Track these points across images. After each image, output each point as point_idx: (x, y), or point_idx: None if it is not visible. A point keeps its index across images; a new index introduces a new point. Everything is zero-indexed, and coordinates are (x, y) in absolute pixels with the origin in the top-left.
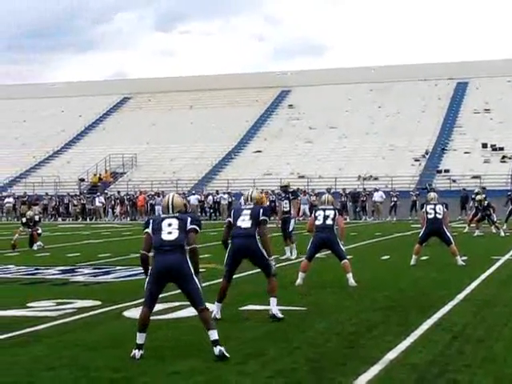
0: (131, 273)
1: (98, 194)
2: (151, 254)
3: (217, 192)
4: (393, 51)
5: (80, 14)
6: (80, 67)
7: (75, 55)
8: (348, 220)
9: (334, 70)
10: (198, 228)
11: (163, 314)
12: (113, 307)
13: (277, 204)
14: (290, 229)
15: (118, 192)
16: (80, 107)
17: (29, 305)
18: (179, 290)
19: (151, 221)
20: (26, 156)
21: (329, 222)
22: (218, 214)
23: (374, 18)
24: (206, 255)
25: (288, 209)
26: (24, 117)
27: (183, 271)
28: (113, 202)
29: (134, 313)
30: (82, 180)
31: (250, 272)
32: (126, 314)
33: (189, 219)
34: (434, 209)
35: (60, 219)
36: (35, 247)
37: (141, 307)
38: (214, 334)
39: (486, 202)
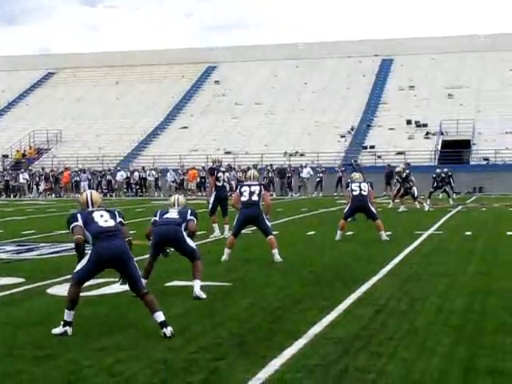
0: (55, 250)
1: (22, 170)
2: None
3: (143, 168)
4: (319, 28)
5: None
6: (3, 42)
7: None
8: (274, 196)
9: (260, 47)
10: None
11: (88, 291)
12: (36, 284)
13: (207, 180)
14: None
15: (43, 168)
16: (3, 82)
17: None
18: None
19: (79, 215)
20: None
21: (255, 197)
22: (144, 190)
23: None
24: (132, 231)
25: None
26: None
27: (125, 255)
28: (37, 179)
29: (58, 290)
30: (6, 156)
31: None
32: (50, 291)
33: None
34: (359, 186)
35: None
36: None
37: (65, 284)
38: (160, 316)
39: (405, 174)
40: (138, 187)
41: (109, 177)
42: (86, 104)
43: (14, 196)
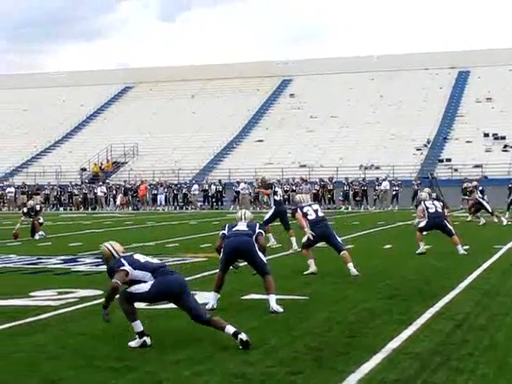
0: None
1: (100, 183)
2: None
3: (219, 181)
4: (395, 40)
5: (84, 4)
6: (83, 57)
7: (79, 45)
8: (350, 209)
9: (335, 59)
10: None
11: (164, 304)
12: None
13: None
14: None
15: (125, 181)
16: (82, 97)
17: (31, 294)
18: (185, 279)
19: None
20: (27, 145)
21: (321, 214)
22: (220, 203)
23: (376, 6)
24: (207, 244)
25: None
26: (26, 106)
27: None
28: (114, 192)
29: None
30: (84, 169)
31: None
32: None
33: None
34: (433, 203)
35: (62, 209)
36: (37, 237)
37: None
38: (230, 328)
39: (470, 189)
40: (213, 200)
41: (184, 190)
42: (162, 118)
43: (92, 209)
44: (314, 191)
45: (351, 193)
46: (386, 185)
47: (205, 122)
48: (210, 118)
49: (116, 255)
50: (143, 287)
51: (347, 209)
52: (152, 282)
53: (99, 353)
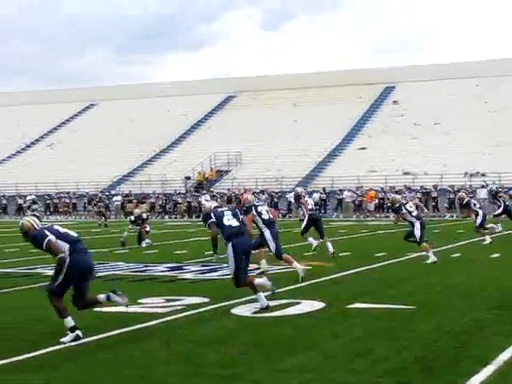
0: None
1: (204, 191)
2: None
3: (324, 190)
4: (499, 45)
5: (189, 15)
6: (188, 67)
7: (184, 55)
8: (455, 217)
9: (439, 66)
10: None
11: (270, 312)
12: (221, 304)
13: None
14: None
15: (228, 189)
16: (186, 106)
17: (139, 301)
18: (288, 287)
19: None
20: (133, 155)
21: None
22: (324, 211)
23: (478, 11)
24: (310, 253)
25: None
26: (131, 116)
27: None
28: (218, 200)
29: (242, 310)
30: (188, 178)
31: (356, 270)
32: (234, 311)
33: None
34: None
35: (167, 217)
36: (144, 244)
37: (248, 305)
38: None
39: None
40: (317, 208)
41: (288, 198)
42: (264, 126)
43: (196, 217)
44: (417, 199)
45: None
46: (483, 192)
47: (307, 130)
48: (312, 126)
49: (37, 227)
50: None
51: (452, 216)
52: (68, 263)
53: (207, 360)
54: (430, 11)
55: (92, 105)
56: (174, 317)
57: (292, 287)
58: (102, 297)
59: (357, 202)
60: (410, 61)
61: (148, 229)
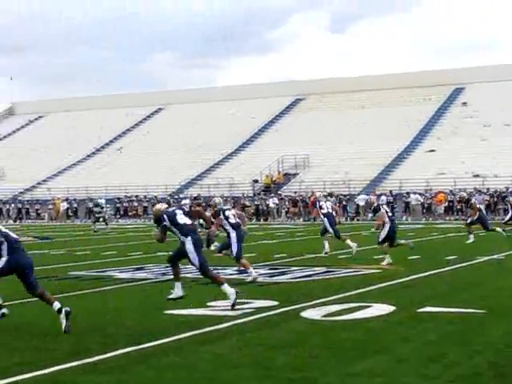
0: (307, 273)
1: (272, 194)
2: None
3: (390, 192)
4: None
5: (256, 19)
6: (254, 70)
7: (251, 59)
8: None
9: (508, 66)
10: None
11: (340, 315)
12: (290, 307)
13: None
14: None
15: (295, 193)
16: (254, 109)
17: (209, 304)
18: (359, 291)
19: None
20: (201, 158)
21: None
22: (392, 214)
23: None
24: (379, 256)
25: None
26: (199, 120)
27: None
28: (286, 203)
29: (312, 313)
30: (256, 181)
31: (427, 273)
32: (304, 314)
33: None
34: None
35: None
36: (212, 247)
37: (318, 308)
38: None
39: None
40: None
41: (356, 201)
42: (332, 129)
43: (264, 220)
44: (486, 202)
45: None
46: None
47: (375, 133)
48: (380, 128)
49: None
50: None
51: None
52: (6, 259)
53: (277, 363)
54: (499, 10)
55: (160, 109)
56: (244, 320)
57: (362, 290)
58: (55, 304)
59: (426, 205)
60: (479, 62)
61: (217, 232)
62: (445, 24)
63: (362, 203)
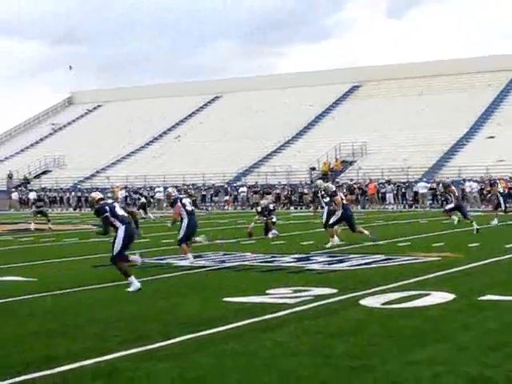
0: (365, 261)
1: (329, 182)
2: None
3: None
4: None
5: (313, 5)
6: (313, 57)
7: (308, 46)
8: None
9: None
10: None
11: (399, 303)
12: (349, 295)
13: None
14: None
15: (351, 180)
16: (311, 97)
17: (268, 292)
18: (418, 279)
19: None
20: (258, 146)
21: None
22: (446, 201)
23: None
24: (439, 243)
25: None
26: (256, 108)
27: None
28: (344, 191)
29: (371, 301)
30: (313, 169)
31: (486, 261)
32: (363, 302)
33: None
34: None
35: (292, 208)
36: (270, 235)
37: (377, 296)
38: None
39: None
40: (443, 199)
41: (415, 188)
42: (390, 116)
43: (321, 208)
44: None
45: None
46: None
47: (433, 119)
48: (439, 115)
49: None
50: None
51: None
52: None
53: (336, 351)
54: None
55: (217, 97)
56: (303, 307)
57: (421, 278)
58: None
59: (485, 192)
60: None
61: (274, 220)
62: (505, 8)
63: (422, 190)
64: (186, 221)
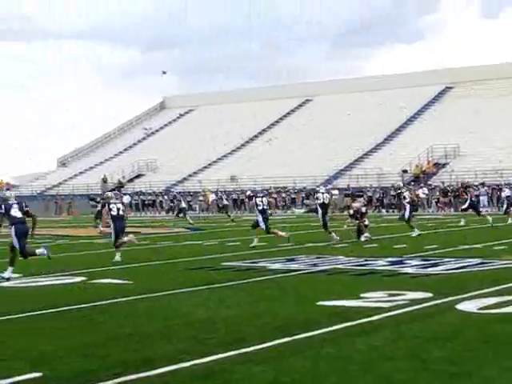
0: (460, 265)
1: (421, 185)
2: None
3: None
4: None
5: (404, 7)
6: (405, 59)
7: (399, 47)
8: None
9: None
10: None
11: (496, 308)
12: (444, 300)
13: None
14: None
15: (442, 183)
16: (404, 99)
17: (362, 295)
18: None
19: None
20: (349, 149)
21: (121, 213)
22: None
23: None
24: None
25: None
26: (347, 111)
27: None
28: (437, 193)
29: (467, 306)
30: (405, 171)
31: None
32: (459, 306)
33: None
34: None
35: (384, 211)
36: (362, 238)
37: (474, 300)
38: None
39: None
40: None
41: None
42: (484, 117)
43: (414, 210)
44: None
45: None
46: None
47: None
48: None
49: None
50: None
51: None
52: None
53: (433, 356)
54: None
55: (308, 100)
56: (398, 312)
57: None
58: None
59: None
60: None
61: (367, 223)
62: None
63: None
64: (112, 225)
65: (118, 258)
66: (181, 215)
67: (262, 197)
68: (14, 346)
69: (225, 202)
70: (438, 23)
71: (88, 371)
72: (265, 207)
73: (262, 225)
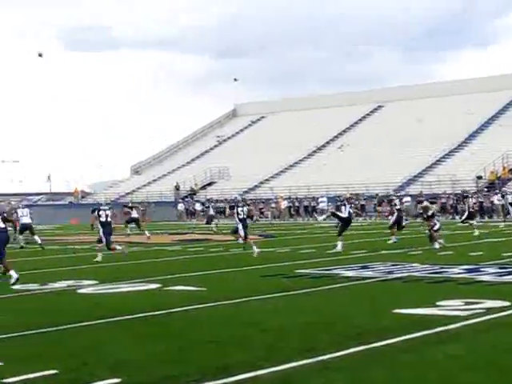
0: None
1: (496, 191)
2: None
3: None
4: None
5: (478, 10)
6: (478, 63)
7: (473, 52)
8: None
9: None
10: None
11: None
12: None
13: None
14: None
15: None
16: (475, 104)
17: (438, 303)
18: None
19: None
20: (422, 155)
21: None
22: None
23: None
24: None
25: None
26: (419, 116)
27: None
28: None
29: None
30: (480, 177)
31: None
32: None
33: None
34: None
35: (458, 217)
36: (436, 245)
37: None
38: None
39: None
40: None
41: None
42: None
43: (488, 217)
44: None
45: None
46: None
47: None
48: None
49: None
50: None
51: None
52: None
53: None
54: None
55: (380, 106)
56: (476, 320)
57: None
58: None
59: None
60: None
61: (437, 227)
62: None
63: None
64: (101, 230)
65: (99, 258)
66: (213, 223)
67: (243, 206)
68: (95, 351)
69: (211, 211)
70: (510, 27)
71: (165, 378)
72: (245, 216)
73: (242, 232)
